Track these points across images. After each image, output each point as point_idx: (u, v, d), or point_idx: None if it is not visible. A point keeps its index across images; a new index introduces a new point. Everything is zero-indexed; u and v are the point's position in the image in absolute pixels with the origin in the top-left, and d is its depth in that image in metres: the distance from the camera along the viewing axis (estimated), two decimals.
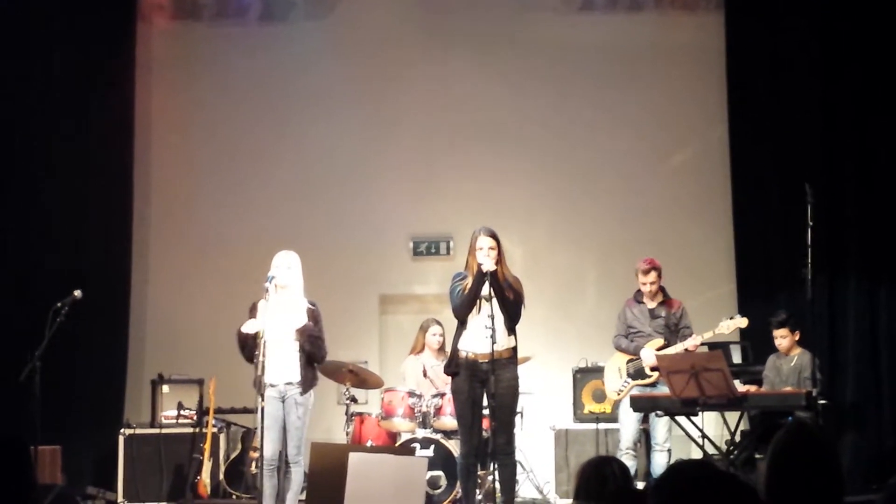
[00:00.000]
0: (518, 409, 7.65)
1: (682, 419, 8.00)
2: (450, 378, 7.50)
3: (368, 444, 8.74)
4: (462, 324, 7.35)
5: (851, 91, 10.02)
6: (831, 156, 10.04)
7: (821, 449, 3.40)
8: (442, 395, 8.66)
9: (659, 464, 8.29)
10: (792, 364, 8.57)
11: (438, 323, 9.29)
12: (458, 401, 7.40)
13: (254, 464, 8.61)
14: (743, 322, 8.18)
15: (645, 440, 8.81)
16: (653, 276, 8.37)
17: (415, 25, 10.80)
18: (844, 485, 3.43)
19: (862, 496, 7.65)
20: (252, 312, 7.68)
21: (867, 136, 9.99)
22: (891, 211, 9.86)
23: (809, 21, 10.11)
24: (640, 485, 8.36)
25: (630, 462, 8.08)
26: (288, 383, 7.63)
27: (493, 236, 7.28)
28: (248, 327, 7.50)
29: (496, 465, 7.29)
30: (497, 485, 7.25)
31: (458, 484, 7.71)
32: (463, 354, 7.31)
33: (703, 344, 8.21)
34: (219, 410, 9.48)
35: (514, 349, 7.35)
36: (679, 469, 3.14)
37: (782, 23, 10.17)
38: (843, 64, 10.03)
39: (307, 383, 7.65)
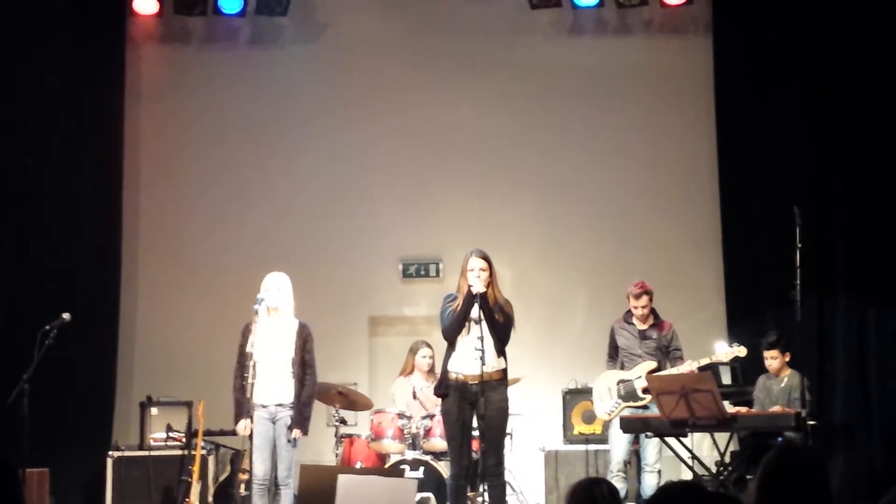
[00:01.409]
0: (508, 431, 7.64)
1: (672, 440, 8.00)
2: (439, 400, 7.51)
3: (358, 465, 8.70)
4: (451, 345, 7.36)
5: (839, 112, 10.05)
6: (820, 177, 10.06)
7: (810, 469, 3.41)
8: (431, 417, 8.64)
9: (649, 485, 8.28)
10: (782, 385, 8.57)
11: (428, 345, 9.28)
12: (447, 422, 7.40)
13: (243, 486, 8.58)
14: (742, 351, 8.18)
15: (635, 461, 8.80)
16: (644, 300, 8.38)
17: (404, 49, 10.81)
18: None
19: None
20: (245, 334, 7.69)
21: (855, 157, 10.02)
22: (879, 231, 9.88)
23: (796, 44, 10.16)
24: None
25: (620, 484, 8.07)
26: (279, 405, 7.63)
27: (485, 258, 7.30)
28: (241, 429, 7.67)
29: (486, 487, 7.28)
30: None
31: None
32: (453, 376, 7.31)
33: None
34: (208, 433, 9.41)
35: (504, 371, 7.35)
36: (669, 490, 3.15)
37: (770, 46, 10.21)
38: (830, 85, 10.07)
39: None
